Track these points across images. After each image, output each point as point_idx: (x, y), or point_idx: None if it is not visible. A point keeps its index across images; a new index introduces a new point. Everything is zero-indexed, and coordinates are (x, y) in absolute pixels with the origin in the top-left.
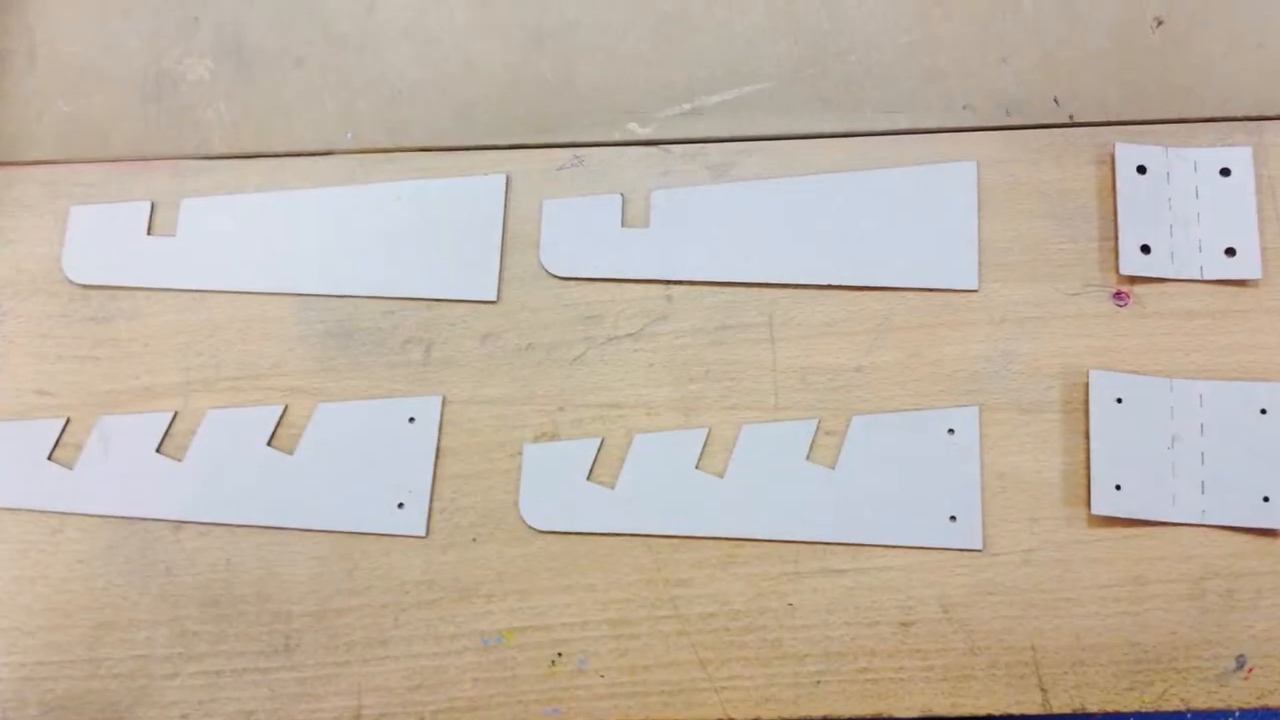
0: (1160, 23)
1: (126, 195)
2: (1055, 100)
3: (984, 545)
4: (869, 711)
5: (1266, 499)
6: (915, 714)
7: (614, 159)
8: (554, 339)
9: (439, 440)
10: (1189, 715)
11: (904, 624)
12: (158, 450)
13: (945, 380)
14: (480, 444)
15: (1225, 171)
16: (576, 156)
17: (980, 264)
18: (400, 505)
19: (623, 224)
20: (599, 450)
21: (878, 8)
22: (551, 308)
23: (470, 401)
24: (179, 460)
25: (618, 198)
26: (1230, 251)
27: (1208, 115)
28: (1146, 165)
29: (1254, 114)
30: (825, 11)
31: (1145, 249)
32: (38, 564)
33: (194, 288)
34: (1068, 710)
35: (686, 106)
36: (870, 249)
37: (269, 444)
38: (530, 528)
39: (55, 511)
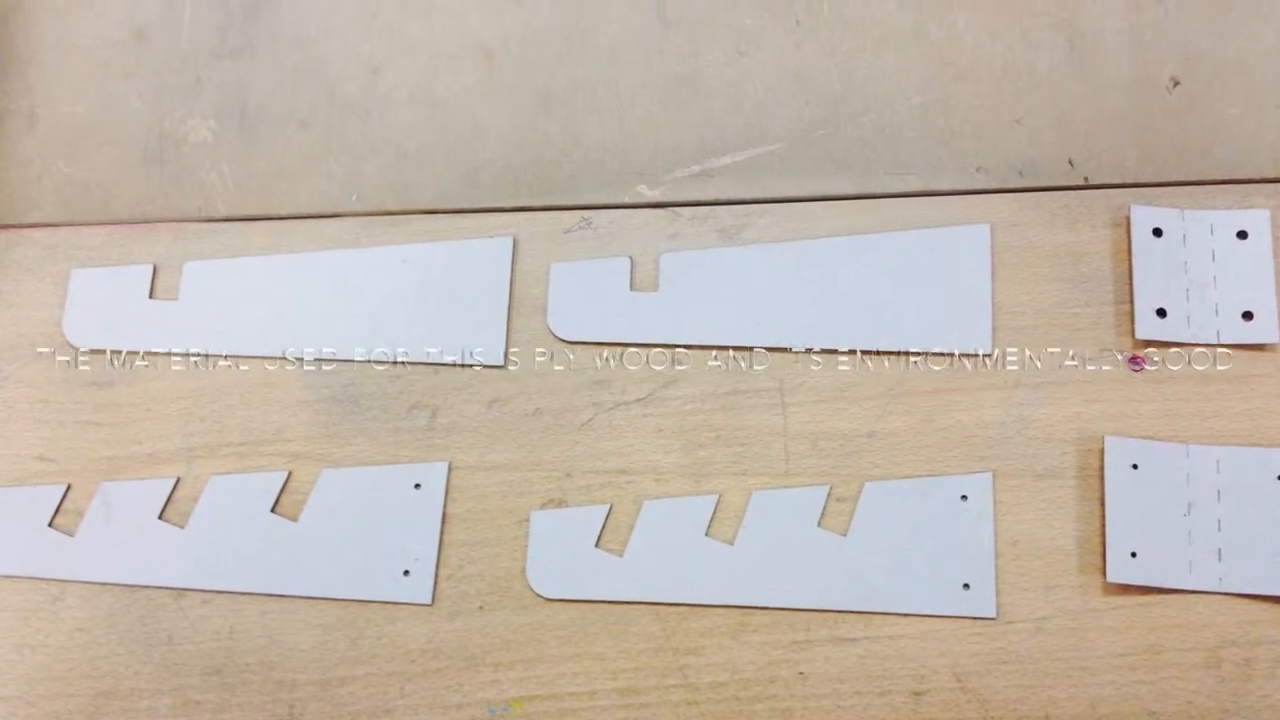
0: (1176, 83)
1: (128, 258)
2: (1070, 162)
3: (997, 613)
4: None
5: None
6: None
7: (623, 221)
8: (561, 404)
9: (445, 507)
10: None
11: (916, 693)
12: (159, 517)
13: (958, 446)
14: (487, 510)
15: (1242, 234)
16: (585, 219)
17: (994, 328)
18: (406, 573)
19: (631, 287)
20: (607, 517)
21: (889, 69)
22: (559, 372)
23: (477, 467)
24: (181, 527)
25: (626, 260)
26: (1248, 315)
27: (1225, 177)
28: (1162, 228)
29: (1272, 176)
30: (836, 73)
31: (1161, 313)
32: (38, 632)
33: (197, 352)
34: None
35: (696, 168)
36: (882, 312)
37: (272, 510)
38: (538, 595)
39: (56, 579)
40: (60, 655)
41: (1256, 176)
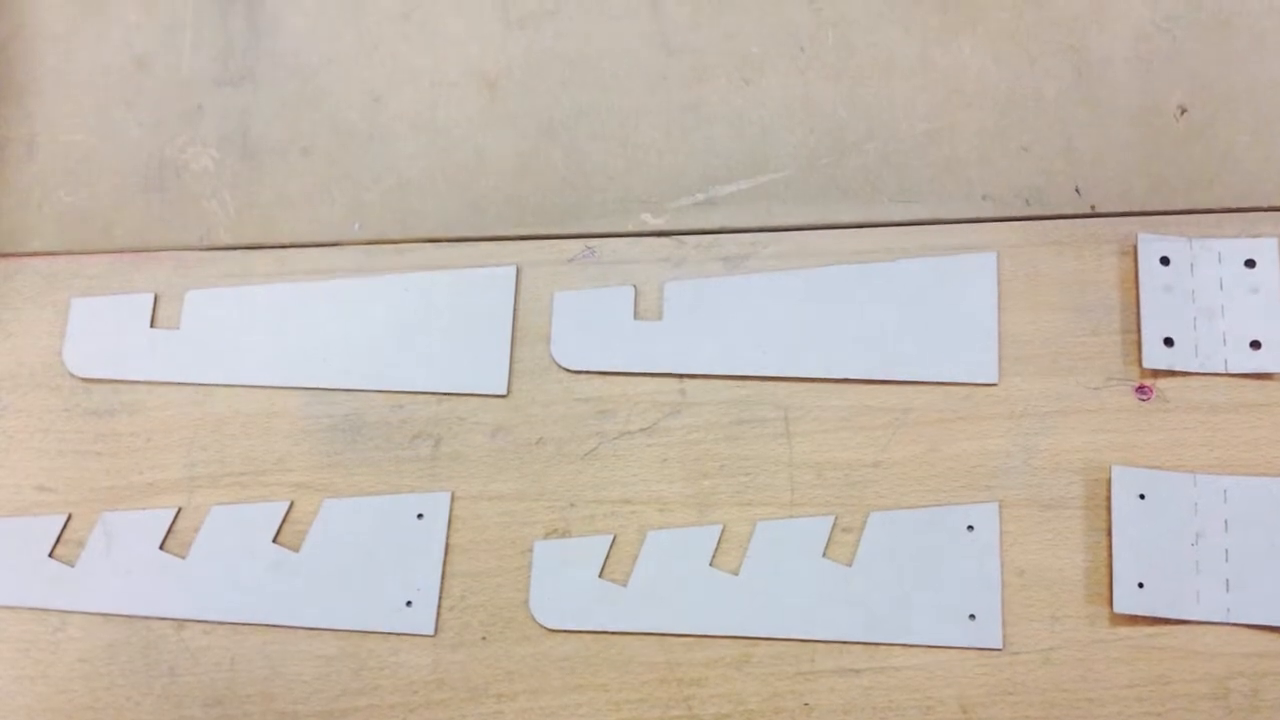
0: (1184, 111)
1: (129, 287)
2: (1077, 190)
3: (1004, 644)
4: None
5: None
6: None
7: (626, 250)
8: (565, 433)
9: (448, 537)
10: None
11: None
12: (161, 547)
13: (964, 476)
14: (490, 541)
15: (1250, 263)
16: (588, 247)
17: (1000, 357)
18: (408, 603)
19: (635, 316)
20: (611, 547)
21: (895, 96)
22: (562, 402)
23: (480, 497)
24: (182, 558)
25: (630, 289)
26: (1255, 344)
27: (1232, 205)
28: (1170, 256)
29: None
30: (842, 100)
31: (1168, 342)
32: (39, 663)
33: (198, 381)
34: None
35: (700, 196)
36: (888, 341)
37: (274, 541)
38: (541, 626)
39: (56, 610)
40: (61, 686)
41: (1264, 205)
